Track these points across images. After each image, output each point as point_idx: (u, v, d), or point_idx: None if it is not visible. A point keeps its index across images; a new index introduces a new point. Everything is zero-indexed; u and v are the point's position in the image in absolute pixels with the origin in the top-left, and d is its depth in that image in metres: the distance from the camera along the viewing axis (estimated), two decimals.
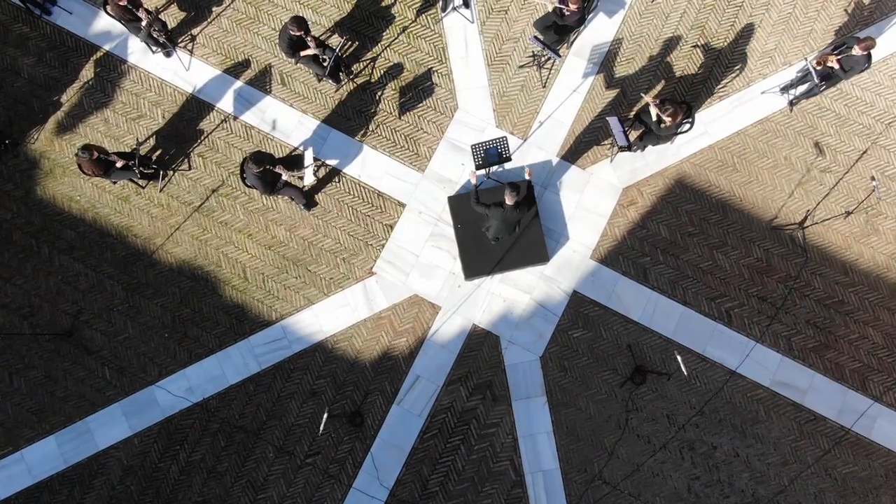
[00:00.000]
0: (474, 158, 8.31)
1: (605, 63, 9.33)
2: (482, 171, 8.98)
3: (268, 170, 8.18)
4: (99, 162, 8.31)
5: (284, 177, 8.41)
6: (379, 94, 9.39)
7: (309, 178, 8.46)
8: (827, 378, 8.59)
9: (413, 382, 8.74)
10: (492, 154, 8.27)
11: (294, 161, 9.04)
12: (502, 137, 8.33)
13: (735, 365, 8.62)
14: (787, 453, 8.51)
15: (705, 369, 8.63)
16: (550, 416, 8.64)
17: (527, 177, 7.64)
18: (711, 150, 9.11)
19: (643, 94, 8.35)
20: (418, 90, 9.38)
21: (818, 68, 8.35)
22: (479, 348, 8.81)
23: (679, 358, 7.75)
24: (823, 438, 8.52)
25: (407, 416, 8.70)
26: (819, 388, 8.58)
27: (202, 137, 9.35)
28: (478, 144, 8.30)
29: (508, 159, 8.32)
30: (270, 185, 8.40)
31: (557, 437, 8.61)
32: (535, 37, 8.51)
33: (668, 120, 7.95)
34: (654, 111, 8.11)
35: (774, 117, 9.15)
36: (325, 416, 7.52)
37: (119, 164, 8.47)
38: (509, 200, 7.43)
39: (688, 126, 8.39)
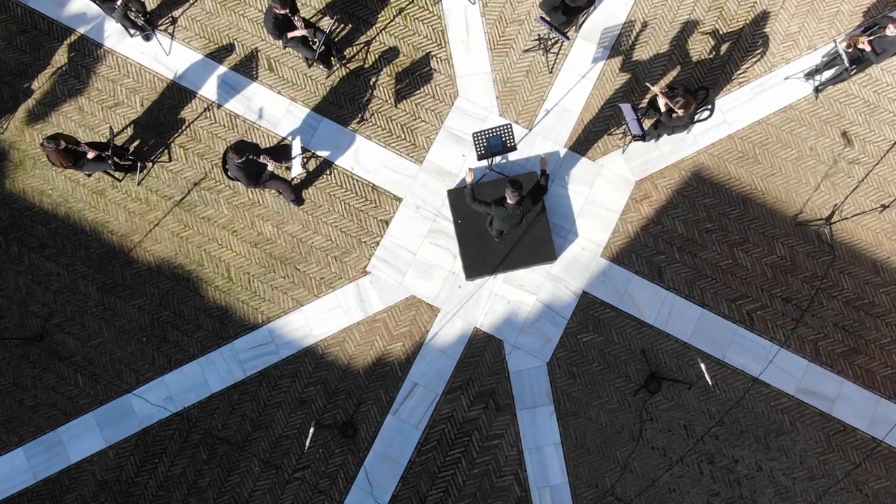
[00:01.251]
0: (476, 148, 7.67)
1: (617, 47, 8.68)
2: (484, 163, 8.34)
3: (251, 160, 7.53)
4: (68, 152, 7.66)
5: (270, 168, 7.77)
6: (373, 80, 8.75)
7: (297, 170, 7.82)
8: (857, 386, 7.95)
9: (410, 390, 8.10)
10: (495, 143, 7.63)
11: (281, 151, 8.39)
12: (507, 125, 7.68)
13: (757, 371, 7.99)
14: (815, 467, 7.87)
15: (725, 376, 7.99)
16: (558, 427, 8.00)
17: (542, 166, 6.97)
18: (731, 140, 8.47)
19: (649, 85, 7.69)
20: (416, 76, 8.74)
21: (848, 51, 7.72)
22: (482, 354, 8.17)
23: (702, 365, 7.11)
24: (853, 451, 7.89)
25: (403, 427, 8.06)
26: (848, 397, 7.94)
27: (183, 127, 8.70)
28: (480, 133, 7.66)
29: (513, 149, 7.67)
30: (255, 177, 7.75)
31: (566, 449, 7.97)
32: (542, 18, 7.87)
33: (679, 111, 7.30)
34: (662, 102, 7.48)
35: (799, 105, 8.51)
36: (312, 430, 6.87)
37: (91, 155, 7.82)
38: (511, 199, 6.79)
39: (707, 113, 7.76)
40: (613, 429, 7.99)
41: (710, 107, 7.72)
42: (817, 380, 7.97)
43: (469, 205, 6.98)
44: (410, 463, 8.01)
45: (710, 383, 7.51)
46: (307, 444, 7.02)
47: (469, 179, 6.90)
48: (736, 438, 7.93)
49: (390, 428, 8.06)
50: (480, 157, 7.70)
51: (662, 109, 7.45)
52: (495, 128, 7.66)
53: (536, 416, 8.04)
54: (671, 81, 8.53)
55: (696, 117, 7.75)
